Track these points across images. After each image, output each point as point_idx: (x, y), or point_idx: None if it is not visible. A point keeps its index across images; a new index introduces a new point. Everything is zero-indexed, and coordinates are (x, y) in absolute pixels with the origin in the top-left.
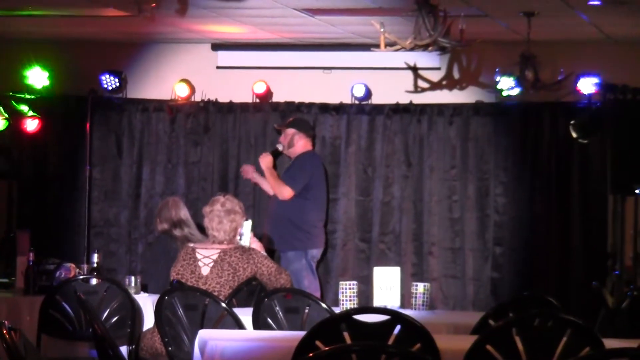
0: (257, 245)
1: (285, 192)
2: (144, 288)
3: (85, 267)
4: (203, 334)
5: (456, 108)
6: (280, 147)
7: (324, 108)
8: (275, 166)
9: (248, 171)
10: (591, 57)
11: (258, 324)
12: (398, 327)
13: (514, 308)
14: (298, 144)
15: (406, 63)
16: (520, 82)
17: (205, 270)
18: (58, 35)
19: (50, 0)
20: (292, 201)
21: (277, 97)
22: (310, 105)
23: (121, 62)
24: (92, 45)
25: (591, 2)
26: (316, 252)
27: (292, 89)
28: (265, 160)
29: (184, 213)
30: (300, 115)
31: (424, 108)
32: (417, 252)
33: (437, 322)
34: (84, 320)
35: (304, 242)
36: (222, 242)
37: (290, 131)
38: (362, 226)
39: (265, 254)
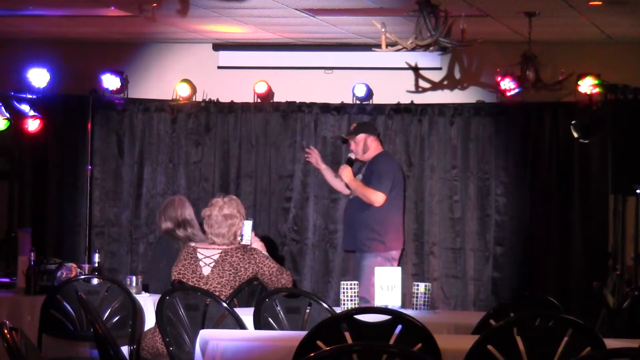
0: (258, 245)
1: (379, 198)
2: (145, 288)
3: (86, 267)
4: (204, 333)
5: (457, 108)
6: (353, 156)
7: (325, 108)
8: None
9: (313, 155)
10: (592, 58)
11: (259, 323)
12: (399, 327)
13: (515, 308)
14: (372, 146)
15: (407, 63)
16: (521, 82)
17: (206, 270)
18: (59, 35)
19: (51, 0)
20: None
21: (279, 97)
22: (312, 105)
23: (122, 62)
24: (93, 45)
25: (592, 3)
26: (395, 254)
27: (293, 89)
28: (346, 172)
29: (189, 213)
30: (302, 115)
31: (425, 108)
32: (418, 252)
33: (438, 322)
34: (85, 320)
35: (384, 244)
36: (222, 244)
37: (361, 137)
38: None
39: (266, 253)
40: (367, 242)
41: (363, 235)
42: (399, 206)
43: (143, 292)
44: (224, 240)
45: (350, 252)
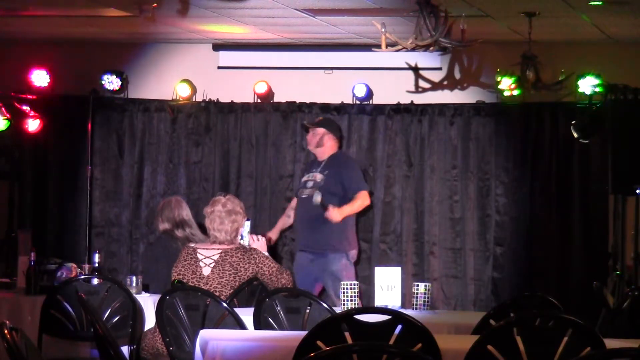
0: (260, 244)
1: (367, 197)
2: (145, 288)
3: (86, 267)
4: (204, 333)
5: (457, 108)
6: (315, 199)
7: (325, 108)
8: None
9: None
10: (592, 58)
11: (259, 323)
12: (399, 327)
13: (515, 308)
14: (327, 144)
15: (407, 63)
16: (521, 82)
17: (206, 271)
18: (59, 36)
19: (51, 0)
20: (334, 203)
21: (279, 97)
22: (312, 105)
23: (122, 62)
24: (94, 45)
25: (592, 3)
26: (354, 253)
27: (293, 89)
28: (336, 214)
29: (187, 213)
30: (302, 115)
31: (425, 108)
32: (418, 252)
33: (438, 322)
34: (85, 320)
35: (344, 243)
36: (223, 243)
37: (320, 130)
38: (363, 226)
39: (266, 253)
40: (334, 243)
41: (330, 236)
42: None
43: (143, 292)
44: (226, 236)
45: (303, 252)
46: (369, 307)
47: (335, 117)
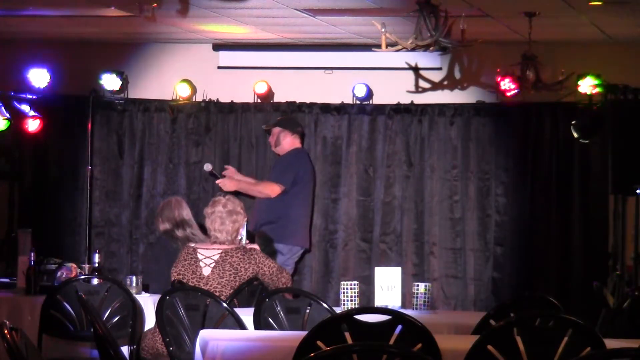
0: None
1: (274, 189)
2: (145, 288)
3: (86, 267)
4: (204, 334)
5: (457, 108)
6: (206, 167)
7: (325, 108)
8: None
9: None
10: (592, 58)
11: (259, 324)
12: (399, 327)
13: (515, 308)
14: (284, 141)
15: (407, 63)
16: (521, 82)
17: (206, 271)
18: (59, 35)
19: (51, 0)
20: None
21: (279, 97)
22: (312, 105)
23: (122, 62)
24: (94, 45)
25: (592, 3)
26: (282, 247)
27: (293, 89)
28: (228, 184)
29: (187, 213)
30: (302, 115)
31: (425, 108)
32: (418, 252)
33: (438, 322)
34: (85, 320)
35: (274, 234)
36: (223, 243)
37: (276, 130)
38: (363, 226)
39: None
40: (259, 227)
41: (258, 220)
42: (303, 203)
43: (143, 292)
44: (227, 237)
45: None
46: (369, 307)
47: (335, 117)
